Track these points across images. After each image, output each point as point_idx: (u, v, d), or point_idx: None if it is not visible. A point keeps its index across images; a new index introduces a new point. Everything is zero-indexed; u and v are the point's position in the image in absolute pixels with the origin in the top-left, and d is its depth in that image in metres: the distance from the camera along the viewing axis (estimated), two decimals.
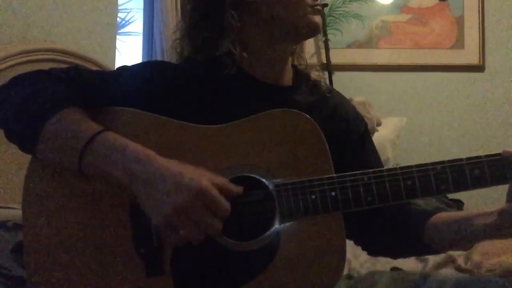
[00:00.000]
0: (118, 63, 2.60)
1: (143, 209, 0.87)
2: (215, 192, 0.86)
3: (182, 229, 0.85)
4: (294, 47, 1.15)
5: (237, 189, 0.90)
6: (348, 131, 1.15)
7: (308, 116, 0.98)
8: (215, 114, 1.02)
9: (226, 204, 0.86)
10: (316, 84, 1.16)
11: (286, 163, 0.95)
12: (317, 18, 1.07)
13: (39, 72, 1.01)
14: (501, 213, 0.93)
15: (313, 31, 1.08)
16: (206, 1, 1.09)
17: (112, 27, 2.50)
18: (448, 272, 1.72)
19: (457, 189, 0.92)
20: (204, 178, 0.86)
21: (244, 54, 1.08)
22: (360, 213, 0.98)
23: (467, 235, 1.00)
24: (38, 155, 0.94)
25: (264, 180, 0.95)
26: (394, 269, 1.54)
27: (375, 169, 0.94)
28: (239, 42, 1.08)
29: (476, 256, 1.75)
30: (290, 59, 1.15)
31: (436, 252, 1.10)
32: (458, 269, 1.74)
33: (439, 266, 1.76)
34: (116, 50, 2.62)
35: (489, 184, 0.92)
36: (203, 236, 0.87)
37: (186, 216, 0.84)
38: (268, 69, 1.10)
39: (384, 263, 1.76)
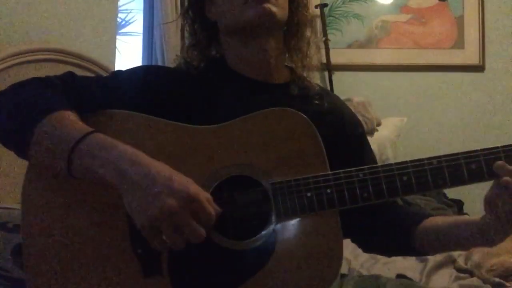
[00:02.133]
0: (118, 63, 2.60)
1: (128, 209, 0.86)
2: (203, 200, 0.85)
3: (165, 233, 0.84)
4: (270, 41, 1.11)
5: (217, 207, 0.89)
6: (343, 132, 1.15)
7: (303, 114, 0.98)
8: (209, 114, 1.03)
9: (212, 213, 0.86)
10: (309, 85, 1.15)
11: (281, 162, 0.95)
12: (254, 10, 1.05)
13: (34, 79, 1.01)
14: (482, 224, 0.94)
15: (254, 23, 1.06)
16: (189, 22, 1.18)
17: (112, 27, 2.50)
18: (448, 272, 1.72)
19: (454, 183, 0.92)
20: (193, 185, 0.86)
21: (229, 57, 1.13)
22: (355, 212, 0.98)
23: (454, 243, 1.02)
24: (31, 159, 0.94)
25: (260, 179, 0.95)
26: (400, 276, 1.53)
27: (371, 166, 0.94)
28: (223, 47, 1.15)
29: (476, 256, 1.75)
30: (278, 57, 1.13)
31: (425, 255, 1.12)
32: (458, 269, 1.75)
33: (439, 266, 1.76)
34: (116, 50, 2.62)
35: (486, 178, 0.92)
36: (184, 243, 0.85)
37: (171, 220, 0.83)
38: (254, 68, 1.11)
39: (383, 264, 1.76)
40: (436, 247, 1.07)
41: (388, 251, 1.19)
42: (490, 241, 0.95)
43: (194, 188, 0.85)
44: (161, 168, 0.86)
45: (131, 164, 0.86)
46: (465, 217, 1.01)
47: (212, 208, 0.86)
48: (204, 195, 0.86)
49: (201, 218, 0.85)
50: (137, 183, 0.84)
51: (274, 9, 1.06)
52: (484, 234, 0.94)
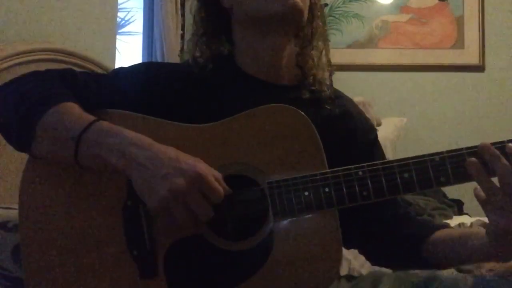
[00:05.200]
0: (118, 63, 2.60)
1: (138, 192, 0.87)
2: (211, 178, 0.86)
3: (176, 212, 0.85)
4: (285, 40, 1.10)
5: (227, 188, 0.89)
6: (355, 138, 1.12)
7: (300, 111, 0.96)
8: (210, 112, 1.01)
9: (220, 190, 0.87)
10: (319, 88, 1.12)
11: (278, 160, 0.94)
12: (284, 2, 1.02)
13: (35, 73, 1.01)
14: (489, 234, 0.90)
15: (282, 14, 1.03)
16: (200, 10, 1.14)
17: (112, 27, 2.50)
18: (448, 272, 1.71)
19: (458, 180, 0.89)
20: (201, 164, 0.87)
21: (238, 53, 1.11)
22: (362, 221, 0.97)
23: (465, 257, 0.98)
24: (34, 150, 0.93)
25: (256, 178, 0.94)
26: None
27: (370, 163, 0.91)
28: (232, 42, 1.12)
29: None
30: (290, 56, 1.11)
31: (435, 267, 1.06)
32: (458, 269, 1.74)
33: None
34: (116, 50, 2.62)
35: (491, 174, 0.87)
36: (194, 222, 0.87)
37: (182, 199, 0.84)
38: (264, 66, 1.09)
39: None
40: (447, 260, 1.02)
41: (397, 264, 1.12)
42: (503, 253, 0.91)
43: (201, 166, 0.86)
44: (167, 150, 0.88)
45: (138, 148, 0.87)
46: (472, 230, 0.98)
47: (221, 186, 0.87)
48: (212, 173, 0.87)
49: (210, 196, 0.86)
50: (144, 166, 0.85)
51: (302, 5, 1.05)
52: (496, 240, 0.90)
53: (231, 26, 1.13)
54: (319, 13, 1.16)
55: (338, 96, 1.16)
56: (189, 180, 0.84)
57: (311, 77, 1.12)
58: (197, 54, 1.11)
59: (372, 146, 1.16)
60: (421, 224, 1.09)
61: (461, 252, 0.98)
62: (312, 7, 1.12)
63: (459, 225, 2.21)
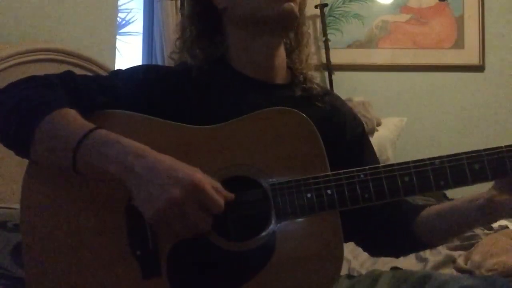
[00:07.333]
0: (118, 63, 2.61)
1: (135, 202, 0.86)
2: (209, 188, 0.85)
3: (174, 223, 0.85)
4: (278, 41, 1.12)
5: (229, 194, 0.89)
6: (344, 133, 1.15)
7: (303, 114, 0.97)
8: (211, 114, 1.02)
9: (220, 201, 0.86)
10: (310, 86, 1.15)
11: (281, 162, 0.95)
12: (283, 6, 1.04)
13: (33, 77, 1.01)
14: (489, 200, 0.96)
15: (279, 18, 1.06)
16: (191, 11, 1.16)
17: (112, 27, 2.50)
18: (448, 272, 1.72)
19: (457, 184, 0.91)
20: (198, 174, 0.86)
21: (232, 53, 1.12)
22: (354, 214, 0.98)
23: (455, 222, 1.02)
24: (32, 157, 0.93)
25: (259, 179, 0.94)
26: (394, 268, 1.53)
27: (372, 166, 0.93)
28: (223, 43, 1.13)
29: (476, 256, 1.75)
30: (282, 57, 1.14)
31: (428, 246, 1.11)
32: (458, 269, 1.74)
33: (439, 266, 1.76)
34: (116, 50, 2.62)
35: (489, 178, 0.91)
36: (193, 232, 0.86)
37: (179, 210, 0.83)
38: (258, 66, 1.11)
39: (384, 263, 1.76)
40: (438, 232, 1.06)
41: (395, 251, 1.17)
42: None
43: (198, 176, 0.85)
44: (164, 159, 0.86)
45: (136, 158, 0.86)
46: (463, 197, 1.03)
47: (220, 195, 0.86)
48: (210, 182, 0.86)
49: (208, 206, 0.85)
50: (141, 176, 0.84)
51: (297, 11, 1.07)
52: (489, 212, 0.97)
53: (222, 27, 1.14)
54: (304, 18, 1.18)
55: (326, 93, 1.19)
56: (186, 190, 0.83)
57: (301, 76, 1.16)
58: (191, 55, 1.12)
59: (361, 139, 1.19)
60: (408, 207, 1.12)
61: (453, 219, 1.02)
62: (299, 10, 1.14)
63: None
